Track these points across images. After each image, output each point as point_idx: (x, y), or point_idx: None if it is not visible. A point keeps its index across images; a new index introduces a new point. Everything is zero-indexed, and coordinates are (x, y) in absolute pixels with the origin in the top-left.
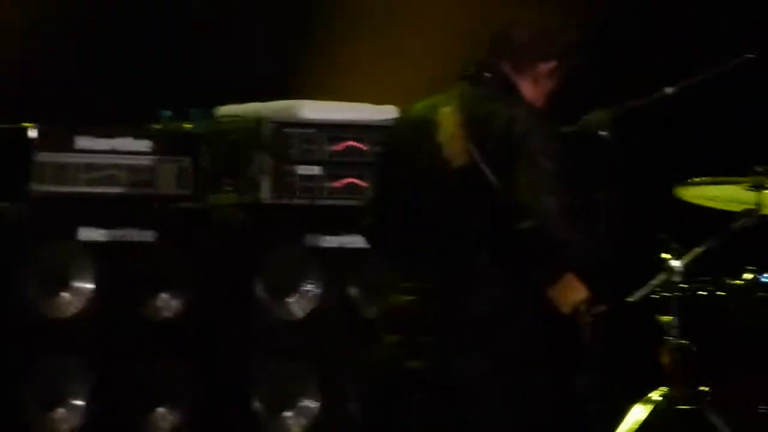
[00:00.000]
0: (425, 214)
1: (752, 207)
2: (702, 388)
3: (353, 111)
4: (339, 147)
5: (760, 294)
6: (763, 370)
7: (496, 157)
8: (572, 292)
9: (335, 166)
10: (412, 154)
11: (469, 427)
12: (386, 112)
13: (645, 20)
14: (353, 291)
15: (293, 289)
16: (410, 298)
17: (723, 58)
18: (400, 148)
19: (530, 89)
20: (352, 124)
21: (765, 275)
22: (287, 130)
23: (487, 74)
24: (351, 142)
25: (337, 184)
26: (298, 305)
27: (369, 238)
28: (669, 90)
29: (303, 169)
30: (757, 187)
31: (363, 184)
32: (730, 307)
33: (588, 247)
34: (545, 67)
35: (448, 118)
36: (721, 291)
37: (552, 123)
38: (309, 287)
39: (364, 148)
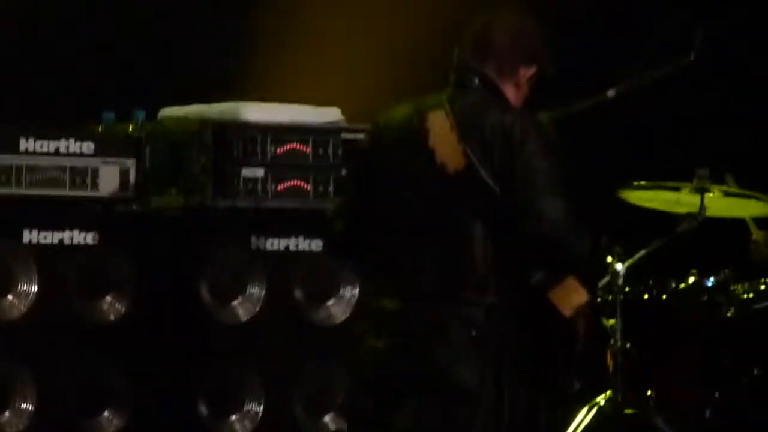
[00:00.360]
0: (418, 219)
1: (695, 211)
2: (647, 391)
3: (297, 113)
4: (282, 149)
5: (704, 297)
6: (708, 373)
7: (495, 161)
8: (575, 295)
9: (279, 169)
10: (400, 160)
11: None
12: (330, 115)
13: (586, 22)
14: (298, 294)
15: (238, 291)
16: (396, 302)
17: (663, 61)
18: (384, 153)
19: (512, 93)
20: (296, 127)
21: (709, 278)
22: (230, 132)
23: (472, 78)
24: (294, 145)
25: (280, 186)
26: (242, 308)
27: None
28: (611, 92)
29: (246, 172)
30: (700, 191)
31: (307, 186)
32: (675, 310)
33: (588, 249)
34: (526, 72)
35: (439, 122)
36: (665, 294)
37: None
38: (253, 290)
39: (308, 150)
